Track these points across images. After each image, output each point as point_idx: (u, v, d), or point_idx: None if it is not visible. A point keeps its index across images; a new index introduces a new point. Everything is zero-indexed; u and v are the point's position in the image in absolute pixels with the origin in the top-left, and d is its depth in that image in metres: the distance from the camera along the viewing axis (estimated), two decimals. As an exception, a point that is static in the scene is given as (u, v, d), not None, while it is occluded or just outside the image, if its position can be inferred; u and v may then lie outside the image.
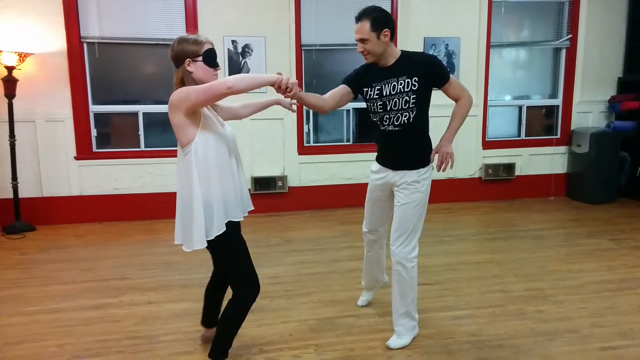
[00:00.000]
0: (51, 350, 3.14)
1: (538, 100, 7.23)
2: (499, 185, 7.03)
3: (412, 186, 3.00)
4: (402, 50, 3.02)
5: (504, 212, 6.46)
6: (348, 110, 6.61)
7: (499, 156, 6.98)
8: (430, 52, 6.44)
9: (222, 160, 2.61)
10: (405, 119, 2.96)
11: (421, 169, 3.03)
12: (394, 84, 2.94)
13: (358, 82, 3.11)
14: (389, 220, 3.27)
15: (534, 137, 7.19)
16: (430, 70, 2.94)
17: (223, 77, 2.50)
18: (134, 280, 4.28)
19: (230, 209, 2.65)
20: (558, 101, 7.18)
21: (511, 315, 3.54)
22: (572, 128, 7.12)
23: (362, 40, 2.91)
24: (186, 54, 2.56)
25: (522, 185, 7.09)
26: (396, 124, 2.99)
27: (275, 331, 3.34)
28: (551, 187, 7.15)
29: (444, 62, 6.51)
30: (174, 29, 5.97)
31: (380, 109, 3.03)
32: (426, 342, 3.18)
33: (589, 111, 7.14)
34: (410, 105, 2.93)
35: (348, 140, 6.73)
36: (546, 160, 7.15)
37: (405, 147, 3.03)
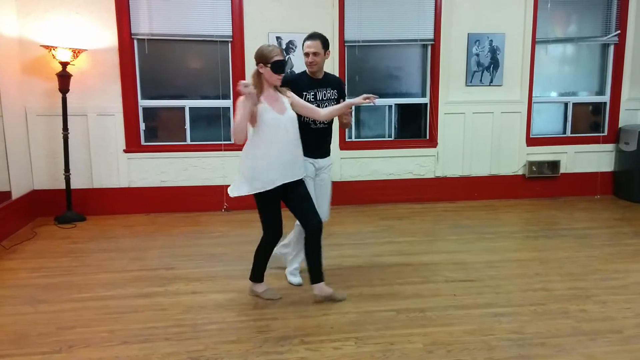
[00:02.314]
0: (102, 336, 3.28)
1: (585, 97, 7.08)
2: (543, 183, 6.92)
3: (329, 167, 4.05)
4: (324, 71, 3.93)
5: (548, 210, 6.37)
6: (390, 106, 6.56)
7: (543, 153, 6.87)
8: (474, 49, 6.44)
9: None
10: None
11: None
12: (324, 92, 3.88)
13: (297, 86, 3.81)
14: None
15: (580, 135, 7.05)
16: (342, 88, 4.03)
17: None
18: (179, 270, 4.41)
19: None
20: (605, 98, 7.01)
21: (553, 314, 3.52)
22: (619, 125, 6.95)
23: (315, 54, 3.73)
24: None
25: (567, 183, 6.96)
26: (325, 122, 3.88)
27: (316, 323, 3.42)
28: (597, 186, 7.00)
29: (488, 58, 6.50)
30: (220, 25, 6.09)
31: None
32: (466, 338, 3.19)
33: (638, 108, 6.95)
34: None
35: (390, 136, 6.70)
36: (592, 158, 7.00)
37: (329, 139, 4.03)
